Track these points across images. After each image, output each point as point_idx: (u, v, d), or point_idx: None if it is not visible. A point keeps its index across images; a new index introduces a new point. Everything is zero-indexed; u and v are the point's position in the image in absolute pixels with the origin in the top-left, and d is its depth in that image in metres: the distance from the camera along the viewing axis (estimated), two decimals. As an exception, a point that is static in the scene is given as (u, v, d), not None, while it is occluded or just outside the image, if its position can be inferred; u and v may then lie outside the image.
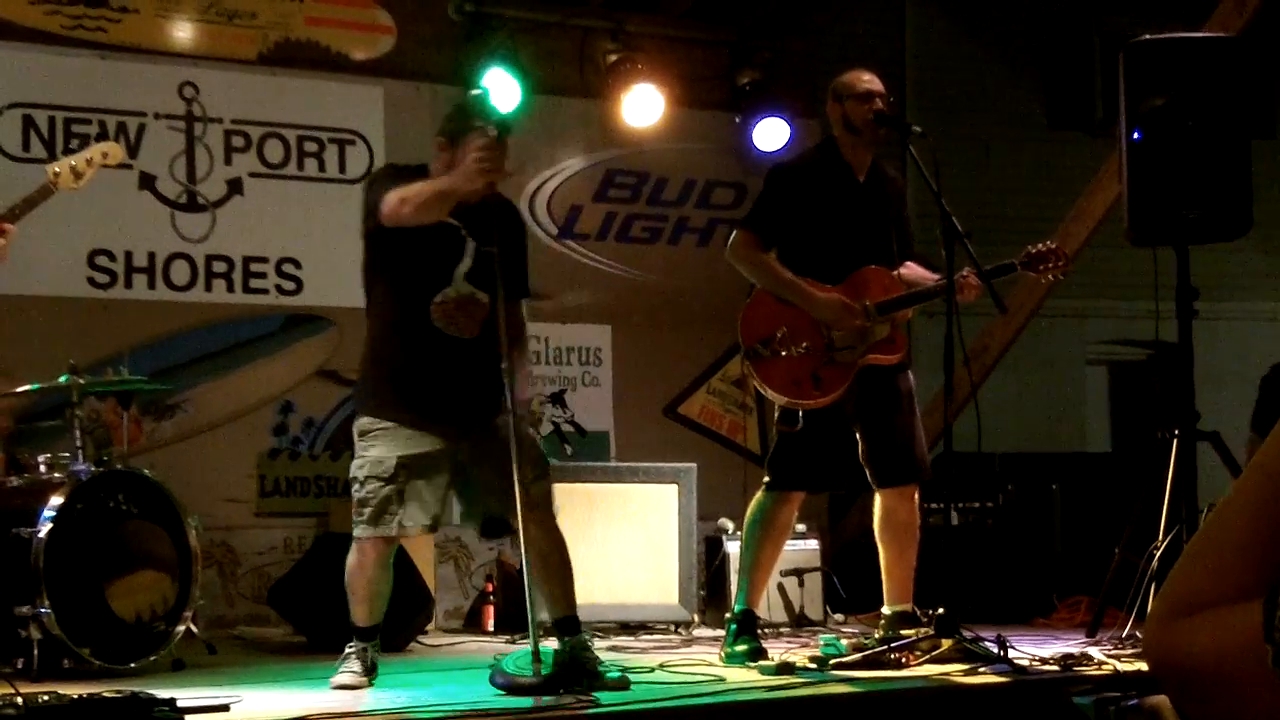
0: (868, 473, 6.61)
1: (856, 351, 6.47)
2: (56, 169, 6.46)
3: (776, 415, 6.68)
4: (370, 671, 5.85)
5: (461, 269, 5.82)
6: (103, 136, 8.62)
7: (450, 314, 5.80)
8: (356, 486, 5.90)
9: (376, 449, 5.87)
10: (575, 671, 5.62)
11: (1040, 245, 6.61)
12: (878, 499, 6.66)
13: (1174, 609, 1.74)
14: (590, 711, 5.14)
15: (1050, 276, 6.66)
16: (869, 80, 6.64)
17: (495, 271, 5.72)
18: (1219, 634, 1.67)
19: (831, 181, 6.61)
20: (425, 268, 5.85)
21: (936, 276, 6.53)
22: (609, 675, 5.65)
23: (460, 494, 5.99)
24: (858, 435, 6.60)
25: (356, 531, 5.88)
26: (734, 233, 6.69)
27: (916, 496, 6.67)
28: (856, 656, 6.12)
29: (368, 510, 5.82)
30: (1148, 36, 7.34)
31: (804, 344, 6.48)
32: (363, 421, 5.99)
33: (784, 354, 6.49)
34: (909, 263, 6.68)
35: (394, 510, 5.80)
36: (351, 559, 5.92)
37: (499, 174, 5.70)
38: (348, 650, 5.88)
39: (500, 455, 5.63)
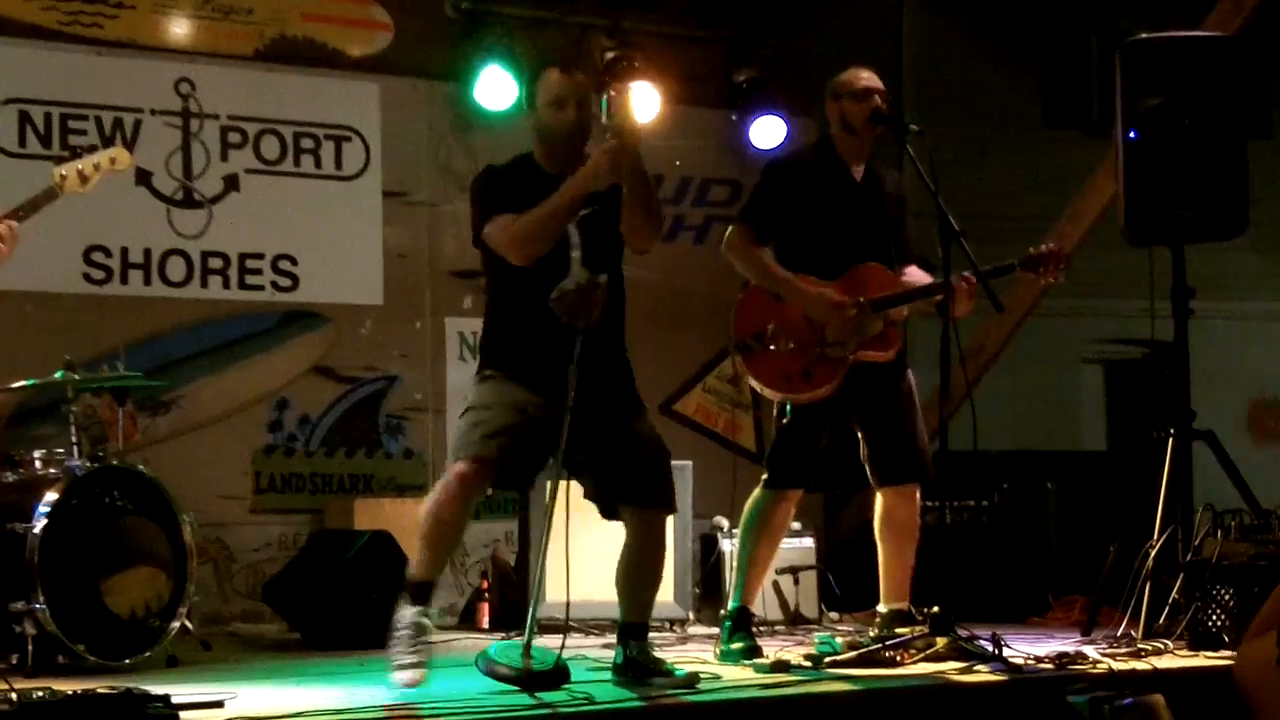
0: (869, 472, 6.61)
1: (848, 347, 6.47)
2: (63, 172, 6.44)
3: (776, 410, 6.68)
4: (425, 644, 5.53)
5: (575, 254, 5.56)
6: (99, 132, 8.62)
7: (571, 306, 5.50)
8: (470, 414, 5.58)
9: (501, 387, 5.61)
10: (642, 673, 5.64)
11: (1041, 247, 6.61)
12: (878, 498, 6.66)
13: (1251, 632, 2.03)
14: (585, 709, 5.15)
15: (1049, 279, 6.64)
16: (867, 78, 6.63)
17: (606, 236, 5.60)
18: (1260, 647, 1.94)
19: (827, 178, 6.61)
20: (541, 263, 5.58)
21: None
22: (677, 673, 5.63)
23: (581, 476, 5.71)
24: (859, 434, 6.61)
25: (455, 458, 5.56)
26: (730, 227, 6.69)
27: (918, 496, 6.67)
28: (852, 655, 6.12)
29: (478, 431, 5.51)
30: (1145, 36, 7.34)
31: (795, 339, 6.48)
32: (485, 371, 5.69)
33: (774, 348, 6.50)
34: (909, 267, 6.67)
35: (503, 439, 5.50)
36: (435, 493, 5.57)
37: (621, 168, 5.48)
38: (399, 623, 5.54)
39: (639, 438, 5.67)
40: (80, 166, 6.45)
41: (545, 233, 5.55)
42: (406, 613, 5.57)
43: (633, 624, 5.76)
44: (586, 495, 5.78)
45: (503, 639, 7.72)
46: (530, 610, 5.54)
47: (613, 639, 7.00)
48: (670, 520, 8.17)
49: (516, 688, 5.37)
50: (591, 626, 7.49)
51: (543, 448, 5.64)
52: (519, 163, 5.86)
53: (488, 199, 5.72)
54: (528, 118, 5.91)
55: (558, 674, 5.47)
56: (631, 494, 5.70)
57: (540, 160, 5.81)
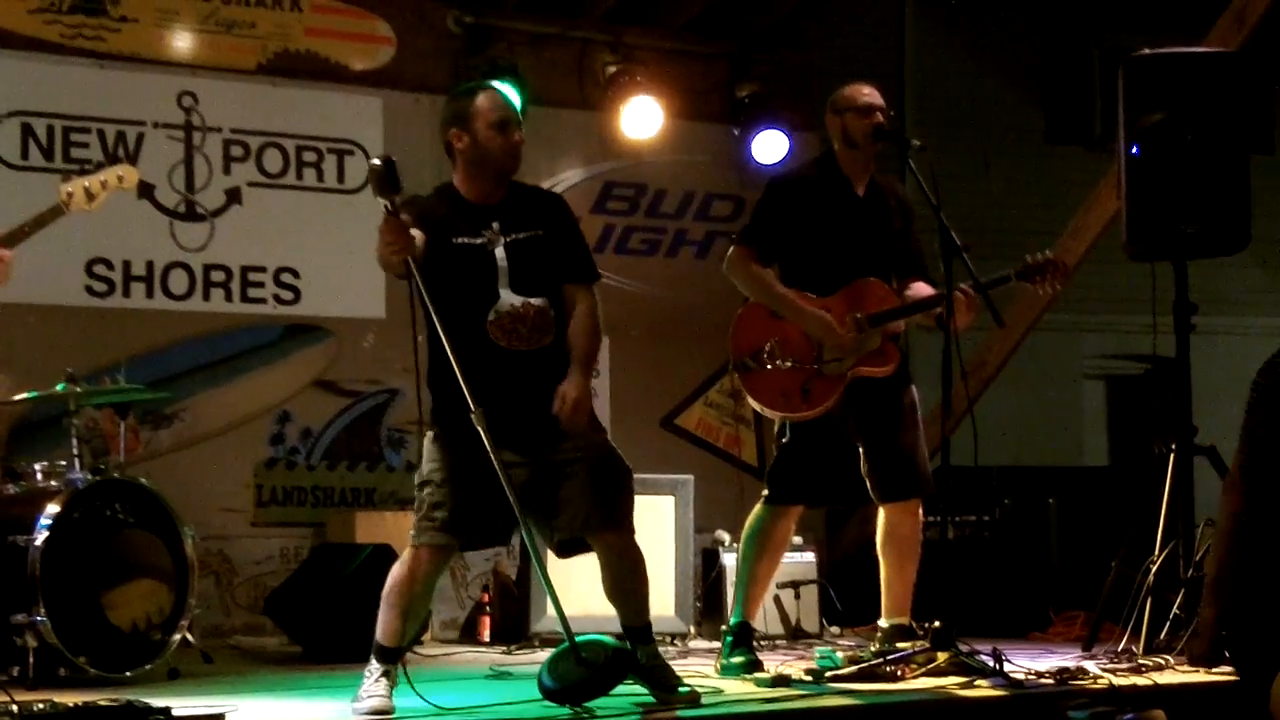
0: (869, 487, 6.59)
1: (845, 364, 6.45)
2: (69, 190, 6.44)
3: (776, 428, 6.67)
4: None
5: (503, 280, 5.46)
6: (102, 145, 8.63)
7: (508, 329, 5.45)
8: (426, 490, 5.53)
9: (451, 455, 5.52)
10: (649, 681, 5.59)
11: (1038, 256, 6.55)
12: (880, 513, 6.64)
13: None
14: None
15: (1048, 288, 6.61)
16: (869, 94, 6.62)
17: (538, 262, 5.52)
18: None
19: (829, 194, 6.61)
20: (466, 286, 5.48)
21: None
22: (680, 690, 5.57)
23: (532, 513, 5.50)
24: (860, 449, 6.59)
25: (413, 541, 5.52)
26: (731, 247, 6.68)
27: (920, 512, 6.66)
28: (852, 669, 6.11)
29: (435, 516, 5.47)
30: (1147, 51, 7.34)
31: (793, 357, 6.47)
32: (435, 430, 5.61)
33: (771, 367, 6.49)
34: (917, 283, 6.64)
35: (459, 521, 5.47)
36: (399, 569, 5.55)
37: (400, 251, 5.23)
38: (370, 671, 5.48)
39: (587, 463, 5.50)
40: (87, 184, 6.46)
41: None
42: (377, 668, 5.50)
43: (633, 628, 5.70)
44: (543, 537, 5.59)
45: (505, 652, 7.74)
46: (560, 620, 5.42)
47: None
48: (671, 533, 8.27)
49: (586, 691, 5.32)
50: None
51: (504, 501, 5.46)
52: (441, 194, 5.72)
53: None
54: (456, 139, 5.62)
55: (620, 660, 5.43)
56: (600, 519, 5.55)
57: (462, 188, 5.66)
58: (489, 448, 5.27)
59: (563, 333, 5.62)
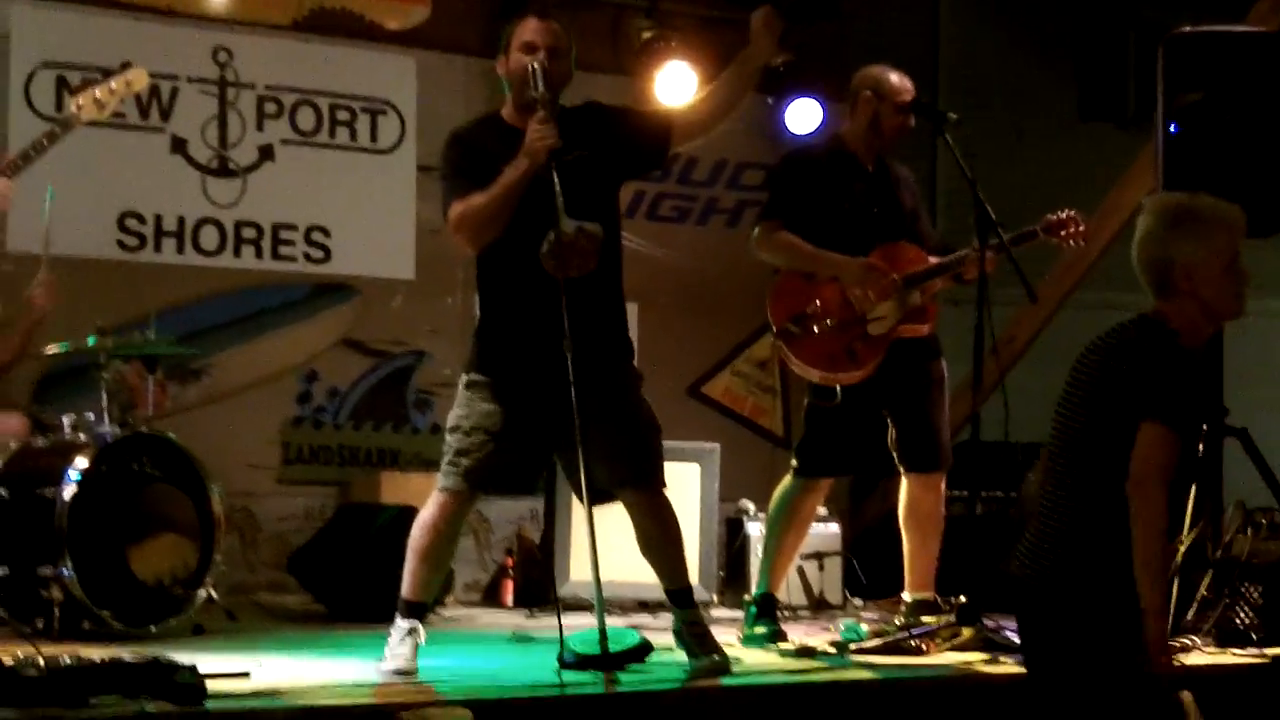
0: (896, 458, 6.60)
1: (888, 322, 6.47)
2: (80, 102, 6.42)
3: (808, 395, 6.65)
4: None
5: (560, 202, 5.28)
6: (136, 98, 8.59)
7: (563, 259, 5.29)
8: (454, 436, 5.52)
9: (483, 404, 5.51)
10: (685, 648, 5.62)
11: (1059, 213, 6.63)
12: (903, 486, 6.65)
13: None
14: (593, 691, 5.13)
15: (1070, 242, 6.66)
16: (909, 92, 6.64)
17: (591, 182, 5.45)
18: None
19: (839, 169, 6.64)
20: (522, 216, 5.38)
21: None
22: (714, 657, 5.57)
23: (566, 458, 5.47)
24: (888, 420, 6.59)
25: (439, 484, 5.53)
26: (755, 229, 6.65)
27: (942, 486, 6.66)
28: (877, 642, 6.13)
29: (459, 462, 5.47)
30: (1188, 29, 7.30)
31: (835, 318, 6.48)
32: (469, 376, 5.58)
33: (817, 330, 6.50)
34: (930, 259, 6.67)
35: (482, 468, 5.46)
36: (424, 514, 5.54)
37: (556, 143, 5.30)
38: (396, 630, 5.50)
39: (617, 417, 5.48)
40: (97, 93, 6.42)
41: (492, 221, 5.39)
42: (402, 625, 5.51)
43: (671, 591, 5.70)
44: (570, 476, 5.54)
45: (528, 615, 7.76)
46: (597, 596, 5.33)
47: (633, 619, 7.08)
48: (696, 502, 8.25)
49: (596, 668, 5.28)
50: (614, 606, 7.46)
51: (539, 446, 5.56)
52: (485, 124, 5.69)
53: (450, 176, 5.55)
54: (500, 65, 5.65)
55: (639, 650, 5.45)
56: (625, 476, 5.55)
57: (509, 116, 5.61)
58: (571, 380, 5.18)
59: (610, 259, 5.55)
